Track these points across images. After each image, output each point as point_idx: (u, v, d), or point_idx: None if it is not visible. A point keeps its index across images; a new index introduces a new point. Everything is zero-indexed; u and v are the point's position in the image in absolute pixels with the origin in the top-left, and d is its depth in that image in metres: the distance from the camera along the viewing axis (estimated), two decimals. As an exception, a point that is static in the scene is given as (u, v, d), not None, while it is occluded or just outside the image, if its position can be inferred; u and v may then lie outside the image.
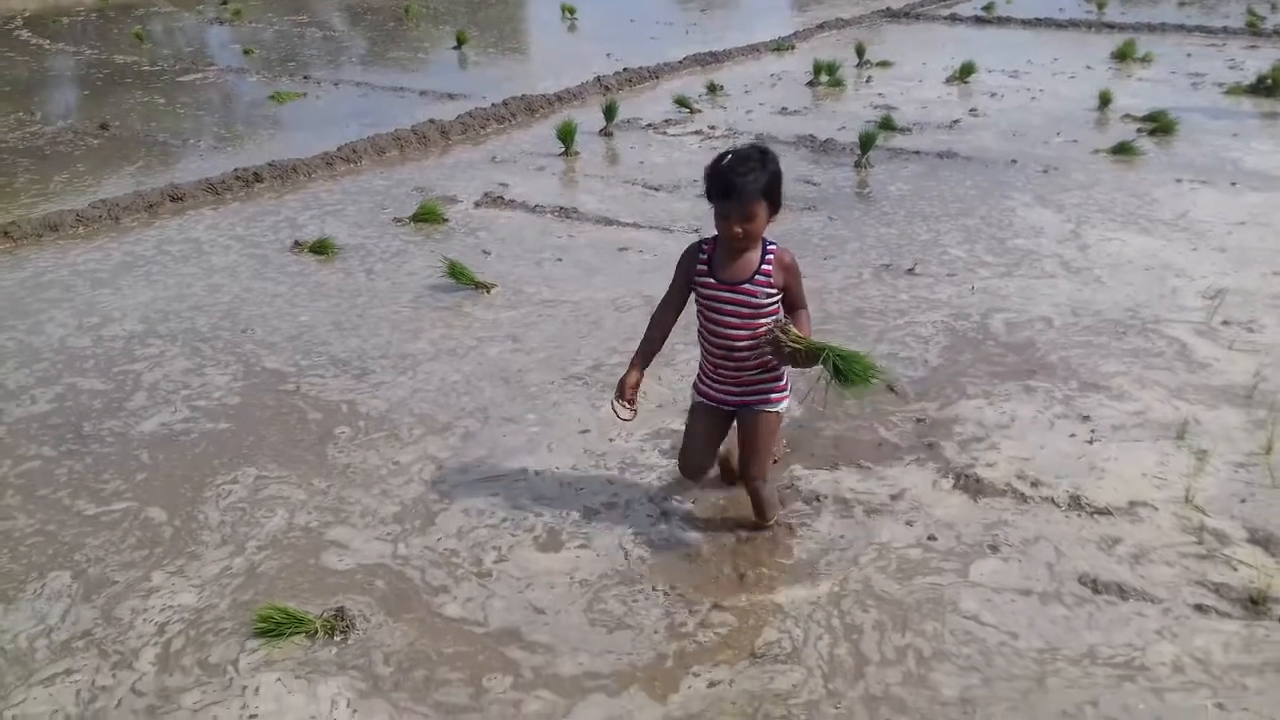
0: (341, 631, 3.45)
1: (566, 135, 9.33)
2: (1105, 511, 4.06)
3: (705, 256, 3.53)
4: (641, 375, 3.65)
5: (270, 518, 4.12)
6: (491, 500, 4.20)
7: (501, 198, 8.11)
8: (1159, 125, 10.03)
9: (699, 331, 3.67)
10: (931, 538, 3.91)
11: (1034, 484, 4.24)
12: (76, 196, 8.28)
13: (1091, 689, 3.18)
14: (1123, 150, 9.22)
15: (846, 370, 3.31)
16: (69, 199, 8.22)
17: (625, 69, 12.76)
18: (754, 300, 3.47)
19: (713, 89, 11.86)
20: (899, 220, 7.57)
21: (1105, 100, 10.95)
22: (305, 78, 13.14)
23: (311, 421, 4.86)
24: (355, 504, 4.20)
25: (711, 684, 3.22)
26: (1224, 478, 4.29)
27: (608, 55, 13.96)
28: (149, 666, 3.34)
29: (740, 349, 3.55)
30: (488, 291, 6.26)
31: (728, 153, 3.37)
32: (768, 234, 3.51)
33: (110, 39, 16.60)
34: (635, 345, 4.65)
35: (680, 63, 13.40)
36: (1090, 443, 4.56)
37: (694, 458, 3.90)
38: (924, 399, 4.97)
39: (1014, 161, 9.02)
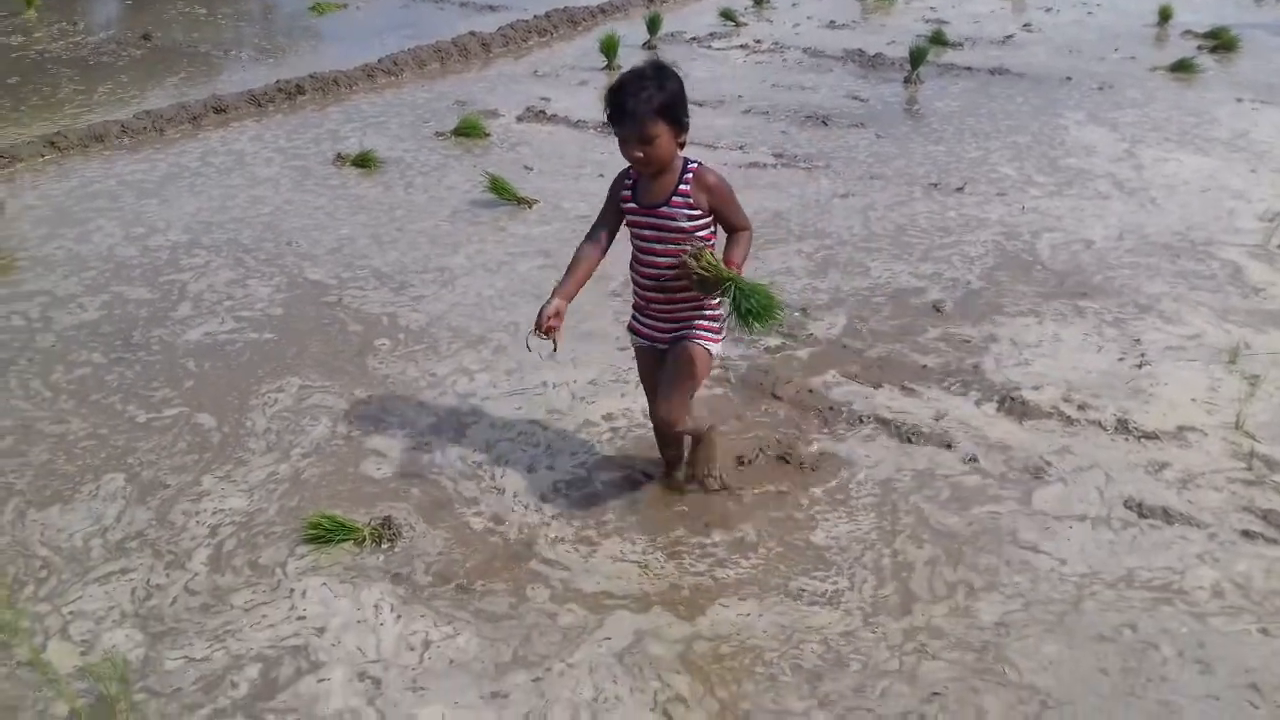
0: (389, 539, 3.51)
1: (609, 49, 9.18)
2: (1153, 436, 4.01)
3: (630, 182, 3.33)
4: (564, 304, 3.29)
5: (314, 426, 4.18)
6: (517, 413, 4.22)
7: (543, 112, 8.02)
8: (1220, 42, 9.68)
9: (630, 263, 3.44)
10: (973, 459, 3.89)
11: (1081, 407, 4.19)
12: (121, 107, 8.29)
13: (1128, 612, 3.17)
14: (1182, 68, 8.92)
15: (747, 304, 3.07)
16: (113, 110, 8.22)
17: (669, -20, 12.46)
18: (673, 223, 3.24)
19: (759, 2, 11.59)
20: (948, 137, 7.41)
21: (1165, 16, 10.57)
22: (345, -12, 12.97)
23: (352, 333, 4.89)
24: (395, 414, 4.25)
25: (742, 615, 3.25)
26: (1276, 403, 4.22)
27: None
28: (201, 567, 3.43)
29: (668, 278, 3.32)
30: (529, 207, 6.23)
31: (625, 73, 3.17)
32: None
33: (150, -52, 16.45)
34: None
35: (726, -26, 13.06)
36: (1139, 366, 4.49)
37: (655, 408, 3.61)
38: (969, 320, 4.90)
39: (1068, 78, 8.77)
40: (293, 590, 3.32)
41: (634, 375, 4.41)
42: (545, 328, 3.24)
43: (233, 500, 3.74)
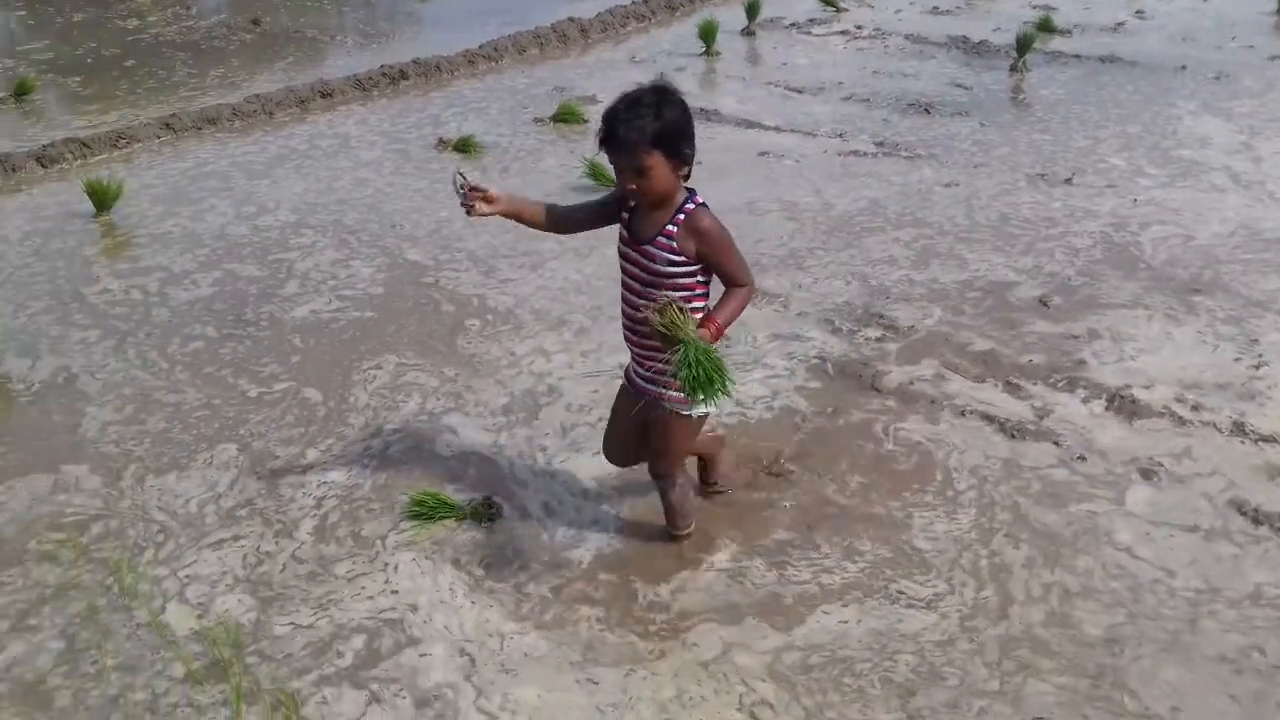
0: (488, 519, 3.57)
1: (708, 34, 9.14)
2: (1272, 439, 3.86)
3: (634, 204, 3.00)
4: (499, 201, 3.04)
5: (406, 403, 4.28)
6: (592, 396, 4.24)
7: (641, 98, 8.01)
8: (1348, 29, 9.24)
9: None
10: (1080, 458, 3.80)
11: (1194, 408, 4.06)
12: (232, 91, 8.54)
13: (1254, 633, 3.02)
14: (1306, 56, 8.55)
15: (692, 371, 2.73)
16: (225, 93, 8.48)
17: (769, -34, 12.34)
18: (652, 265, 2.92)
19: (860, -13, 11.40)
20: (1054, 127, 7.22)
21: (1288, 1, 10.12)
22: (447, -26, 13.13)
23: (446, 313, 4.99)
24: (474, 393, 4.32)
25: (841, 622, 3.23)
26: (1403, 408, 4.03)
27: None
28: (307, 536, 3.54)
29: (639, 321, 2.95)
30: (626, 193, 6.25)
31: (624, 94, 2.87)
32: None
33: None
34: (767, 250, 4.57)
35: (827, -41, 12.88)
36: (1257, 366, 4.32)
37: (609, 448, 3.45)
38: (1076, 315, 4.78)
39: (1182, 67, 8.45)
40: (387, 564, 3.40)
41: (740, 362, 4.42)
42: (468, 192, 3.01)
43: (333, 474, 3.85)
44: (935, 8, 10.59)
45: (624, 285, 3.05)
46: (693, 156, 2.88)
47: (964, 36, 9.41)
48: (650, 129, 2.77)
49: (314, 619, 3.18)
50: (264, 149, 7.24)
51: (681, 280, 2.92)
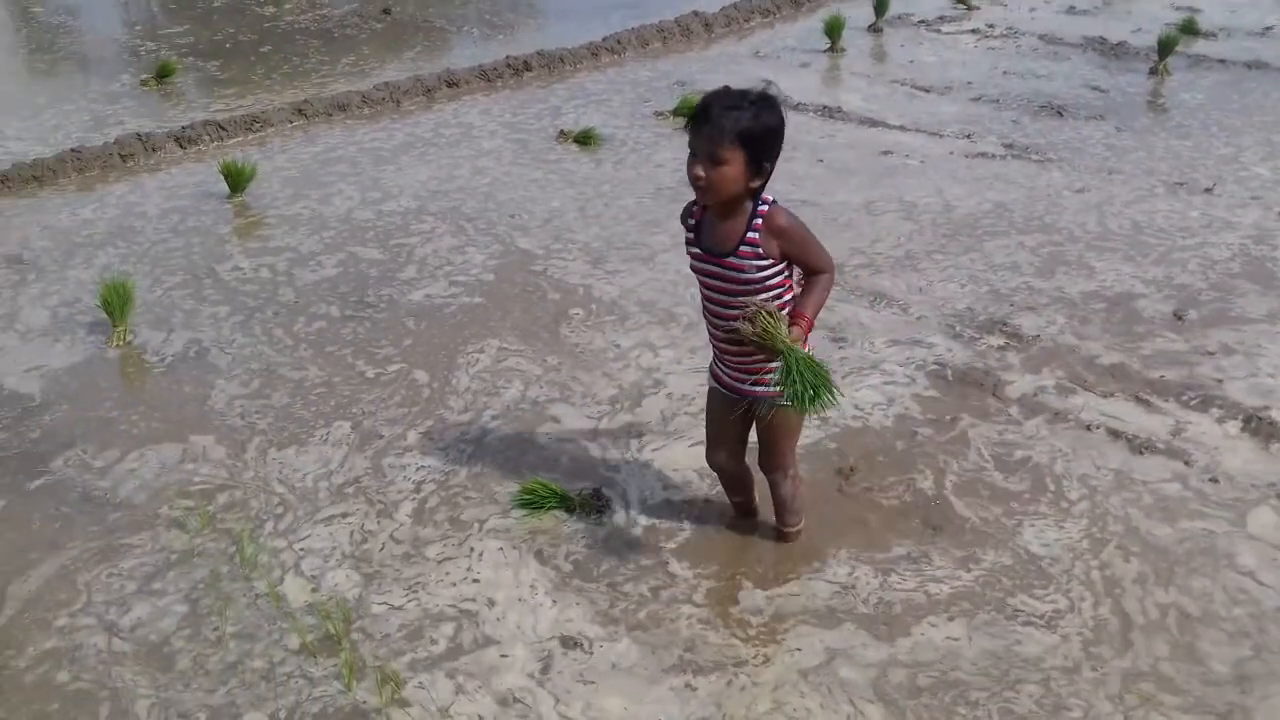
0: (598, 510, 3.57)
1: (834, 30, 9.01)
2: None
3: (693, 221, 2.98)
4: None
5: (508, 388, 4.33)
6: (699, 389, 4.20)
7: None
8: None
9: (702, 307, 3.10)
10: (1213, 480, 3.63)
11: (1337, 432, 3.84)
12: (361, 78, 8.75)
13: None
14: None
15: (797, 384, 2.71)
16: (355, 80, 8.70)
17: (898, -39, 12.11)
18: (742, 275, 2.87)
19: (993, -16, 11.09)
20: (1195, 133, 6.90)
21: None
22: (573, -34, 13.24)
23: (551, 301, 5.03)
24: (579, 383, 4.34)
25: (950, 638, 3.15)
26: None
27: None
28: (406, 518, 3.61)
29: (731, 330, 2.91)
30: (744, 188, 6.19)
31: (728, 87, 2.84)
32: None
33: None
34: (884, 251, 4.44)
35: (958, -45, 12.58)
36: None
37: (714, 454, 3.35)
38: (1212, 330, 4.56)
39: (1339, 73, 8.00)
40: (473, 550, 3.44)
41: (857, 366, 4.35)
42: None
43: (430, 458, 3.92)
44: (1071, 7, 10.24)
45: (706, 297, 3.01)
46: (770, 172, 2.81)
47: (1101, 37, 9.06)
48: (743, 123, 2.71)
49: (405, 600, 3.24)
50: (391, 136, 7.41)
51: (771, 282, 2.88)
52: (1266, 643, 2.97)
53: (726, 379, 3.13)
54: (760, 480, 3.39)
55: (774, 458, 3.24)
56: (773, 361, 2.79)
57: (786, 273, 2.92)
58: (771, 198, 2.87)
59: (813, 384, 2.71)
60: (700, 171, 2.75)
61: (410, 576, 3.34)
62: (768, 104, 2.76)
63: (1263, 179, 6.12)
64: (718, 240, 2.89)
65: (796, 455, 3.29)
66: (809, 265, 2.91)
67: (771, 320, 2.75)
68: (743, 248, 2.85)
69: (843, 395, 2.87)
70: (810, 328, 2.86)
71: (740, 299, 2.86)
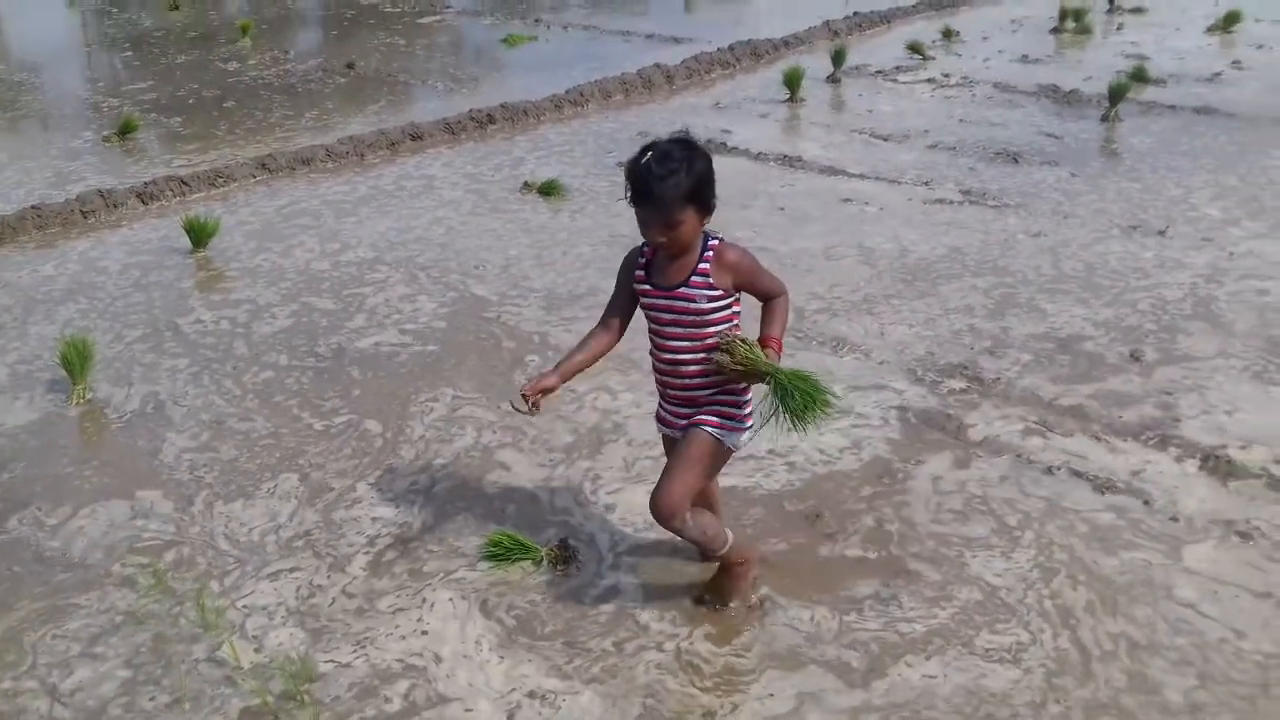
0: (564, 562, 3.51)
1: (793, 81, 9.13)
2: (1373, 504, 3.65)
3: (644, 260, 3.04)
4: (555, 381, 3.06)
5: (461, 435, 4.29)
6: (657, 435, 4.16)
7: (724, 144, 8.02)
8: None
9: (649, 349, 3.14)
10: (1173, 519, 3.63)
11: (1291, 469, 3.86)
12: (325, 132, 8.77)
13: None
14: None
15: (792, 401, 2.79)
16: (319, 134, 8.71)
17: (855, 13, 12.35)
18: (693, 305, 2.93)
19: (948, 34, 11.33)
20: (1147, 176, 7.01)
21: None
22: (536, 20, 13.43)
23: (506, 349, 5.02)
24: (532, 429, 4.31)
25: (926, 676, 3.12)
26: None
27: (839, -1, 13.56)
28: (360, 571, 3.54)
29: (686, 363, 3.02)
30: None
31: (648, 148, 2.85)
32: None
33: (361, -15, 17.43)
34: (842, 295, 4.45)
35: (914, 6, 12.87)
36: (1359, 428, 4.10)
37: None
38: (1169, 370, 4.59)
39: (1284, 118, 8.17)
40: (425, 601, 3.38)
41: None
42: (528, 393, 3.01)
43: (381, 509, 3.86)
44: (1025, 56, 10.45)
45: (655, 332, 3.06)
46: (715, 206, 2.92)
47: (1054, 85, 9.24)
48: (685, 186, 2.79)
49: (362, 661, 3.17)
50: (354, 189, 7.41)
51: (723, 314, 2.97)
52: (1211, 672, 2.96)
53: (669, 418, 3.18)
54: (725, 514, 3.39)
55: (668, 496, 3.00)
56: (747, 381, 2.92)
57: (735, 309, 3.00)
58: (719, 235, 2.97)
59: (809, 396, 2.80)
60: (661, 237, 2.86)
61: (361, 632, 3.26)
62: (692, 152, 2.84)
63: (1215, 220, 6.22)
64: (668, 276, 2.97)
65: (689, 502, 3.08)
66: (764, 292, 3.02)
67: (748, 347, 2.85)
68: (694, 278, 2.93)
69: (839, 397, 2.95)
70: (780, 349, 2.96)
71: (695, 332, 2.96)
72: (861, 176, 7.24)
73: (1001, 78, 9.65)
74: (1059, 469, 3.93)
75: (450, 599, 3.39)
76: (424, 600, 3.38)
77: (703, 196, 2.85)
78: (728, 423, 3.05)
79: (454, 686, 3.05)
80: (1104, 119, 8.31)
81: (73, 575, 3.57)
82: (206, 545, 3.69)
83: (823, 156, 7.69)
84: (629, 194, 2.87)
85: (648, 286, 3.03)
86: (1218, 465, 3.92)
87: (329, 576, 3.51)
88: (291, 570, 3.55)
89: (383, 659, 3.16)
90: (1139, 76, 9.22)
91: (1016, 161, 7.44)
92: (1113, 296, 5.29)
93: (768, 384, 2.86)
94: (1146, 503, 3.72)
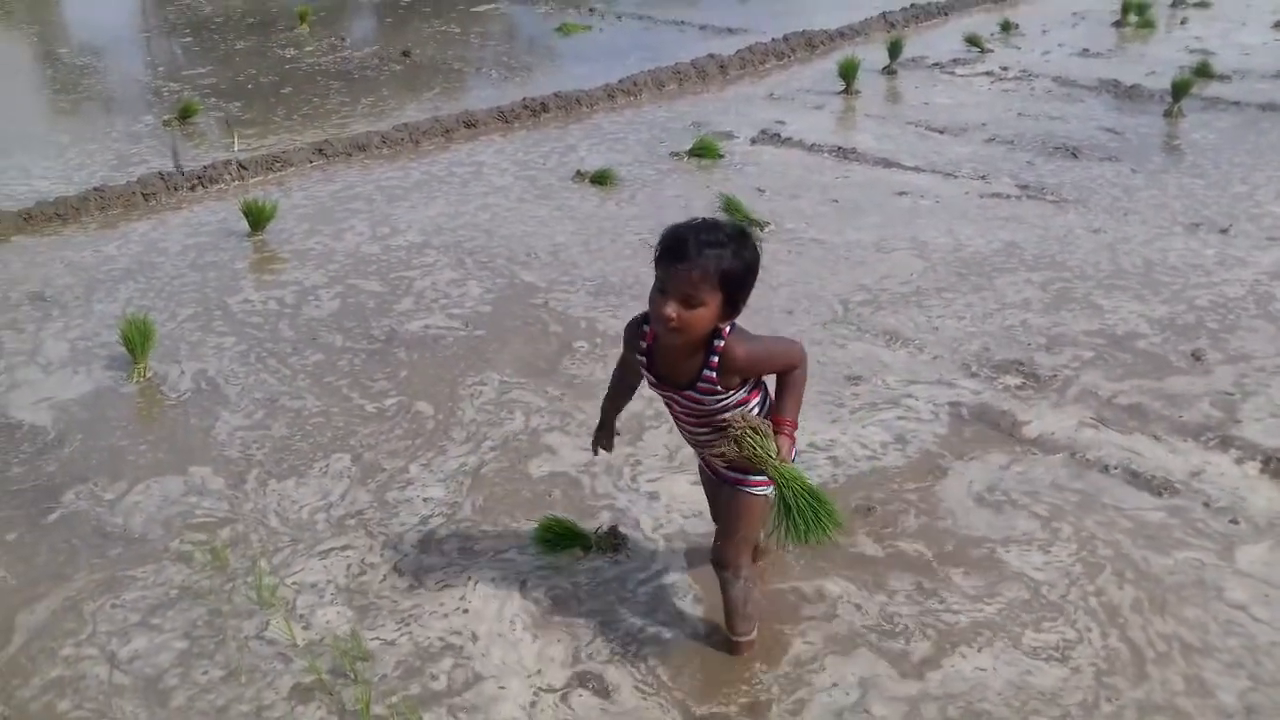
0: (613, 549, 3.51)
1: (848, 73, 9.05)
2: None
3: (646, 345, 2.74)
4: (611, 434, 3.11)
5: (510, 419, 4.32)
6: None
7: (778, 135, 7.98)
8: None
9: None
10: (1233, 521, 3.56)
11: (1355, 473, 3.76)
12: (381, 119, 8.84)
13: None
14: None
15: (793, 516, 2.56)
16: (375, 121, 8.79)
17: (913, 4, 12.21)
18: (702, 406, 2.70)
19: (1007, 27, 11.15)
20: (1210, 173, 6.86)
21: None
22: (590, 10, 13.43)
23: (553, 334, 5.05)
24: (580, 413, 4.32)
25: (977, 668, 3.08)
26: None
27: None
28: (410, 549, 3.58)
29: (703, 443, 2.83)
30: (761, 230, 6.17)
31: (705, 218, 2.59)
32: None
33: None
34: (890, 288, 4.38)
35: (973, -1, 12.68)
36: None
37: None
38: (1231, 370, 4.49)
39: (1355, 115, 7.95)
40: (469, 579, 3.40)
41: (870, 401, 4.32)
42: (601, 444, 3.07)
43: (433, 489, 3.90)
44: (1085, 50, 10.26)
45: (674, 415, 2.85)
46: (742, 309, 2.60)
47: (1115, 80, 9.07)
48: (725, 263, 2.48)
49: (396, 635, 3.21)
50: (407, 174, 7.47)
51: (735, 400, 2.70)
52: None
53: (702, 457, 3.00)
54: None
55: (725, 551, 2.94)
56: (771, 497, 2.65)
57: (750, 387, 2.74)
58: (725, 333, 2.62)
59: (811, 510, 2.54)
60: (672, 313, 2.49)
61: (408, 610, 3.29)
62: (745, 239, 2.54)
63: (1276, 216, 6.07)
64: (673, 371, 2.69)
65: (751, 558, 3.04)
66: (779, 371, 2.74)
67: (758, 437, 2.55)
68: (700, 383, 2.65)
69: (843, 525, 2.75)
70: (795, 431, 2.70)
71: (706, 419, 2.72)
72: (916, 169, 7.16)
73: (1061, 71, 9.49)
74: (1115, 468, 3.86)
75: (493, 578, 3.41)
76: (469, 579, 3.41)
77: (737, 288, 2.52)
78: (757, 477, 2.79)
79: (489, 665, 3.07)
80: (1166, 114, 8.14)
81: (128, 550, 3.64)
82: (259, 523, 3.75)
83: (877, 149, 7.62)
84: (657, 253, 2.53)
85: (653, 379, 2.77)
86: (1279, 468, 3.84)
87: (381, 554, 3.55)
88: (344, 548, 3.59)
89: (425, 636, 3.19)
90: (1203, 72, 9.02)
91: (1075, 156, 7.31)
92: (1172, 294, 5.19)
93: (777, 486, 2.59)
94: (1206, 504, 3.64)
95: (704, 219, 2.57)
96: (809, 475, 2.77)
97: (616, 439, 3.19)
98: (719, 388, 2.64)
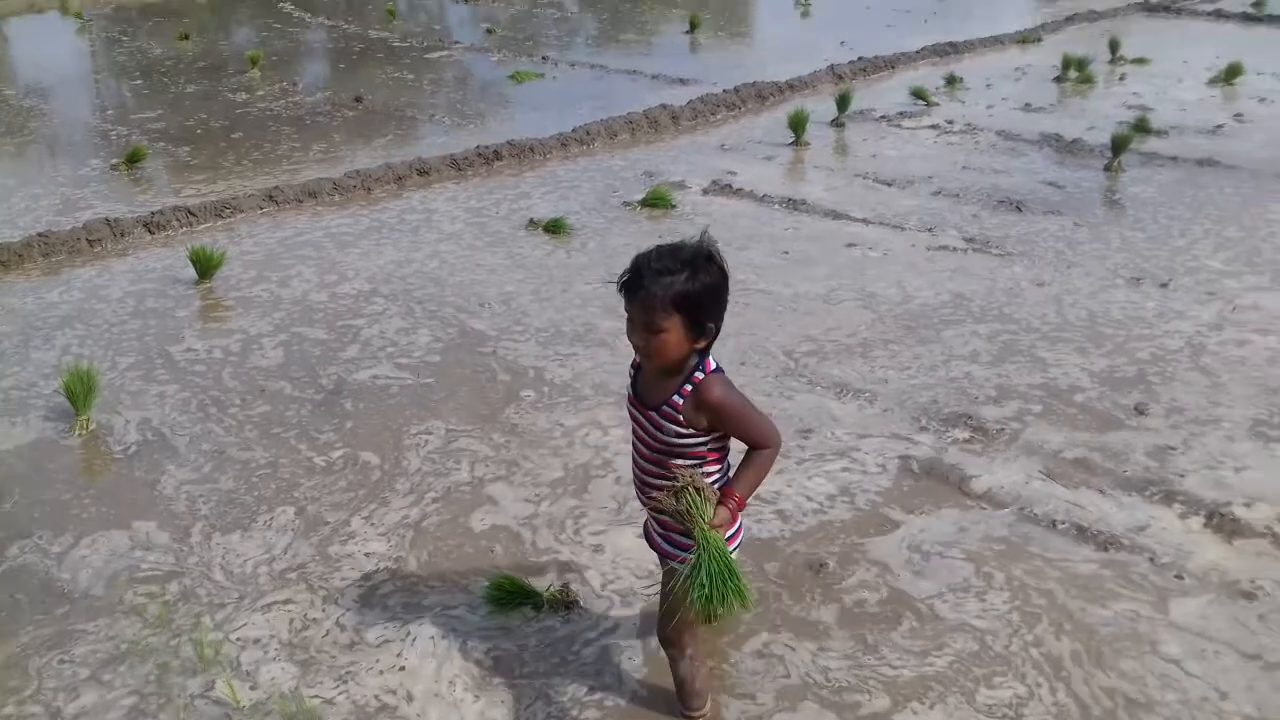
0: (565, 607, 3.48)
1: (797, 125, 9.18)
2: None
3: (635, 362, 2.78)
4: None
5: (456, 469, 4.30)
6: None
7: (730, 186, 8.06)
8: None
9: None
10: (1178, 576, 3.61)
11: (1295, 526, 3.83)
12: (333, 165, 8.80)
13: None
14: None
15: (705, 586, 2.46)
16: (327, 167, 8.74)
17: (860, 58, 12.44)
18: (660, 434, 2.64)
19: (951, 81, 11.40)
20: (1150, 228, 7.03)
21: (1404, 109, 9.80)
22: (543, 58, 13.52)
23: (501, 382, 5.04)
24: (526, 461, 4.31)
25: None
26: None
27: (841, 43, 13.64)
28: (352, 604, 3.52)
29: (650, 485, 2.73)
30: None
31: (670, 244, 2.59)
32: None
33: (364, 14, 17.49)
34: (838, 339, 4.41)
35: (918, 53, 12.94)
36: (1367, 486, 4.08)
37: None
38: (1174, 424, 4.57)
39: (1287, 172, 8.21)
40: (409, 635, 3.34)
41: (811, 445, 4.33)
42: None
43: (374, 544, 3.85)
44: (1027, 105, 10.51)
45: (633, 445, 2.81)
46: (716, 332, 2.58)
47: (1057, 134, 9.29)
48: (678, 289, 2.48)
49: (335, 693, 3.15)
50: (357, 221, 7.43)
51: (692, 450, 2.64)
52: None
53: (652, 533, 2.90)
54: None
55: (668, 631, 2.88)
56: (688, 562, 2.52)
57: (714, 445, 2.66)
58: (714, 365, 2.63)
59: (723, 587, 2.46)
60: (638, 340, 2.57)
61: (345, 666, 3.23)
62: (704, 261, 2.53)
63: (1217, 272, 6.22)
64: (650, 390, 2.68)
65: (696, 636, 2.96)
66: (749, 440, 2.66)
67: (698, 497, 2.49)
68: (665, 407, 2.62)
69: (755, 608, 2.69)
70: (741, 508, 2.64)
71: (660, 458, 2.67)
72: (865, 221, 7.26)
73: (1005, 125, 9.71)
74: (1063, 523, 3.90)
75: (433, 636, 3.36)
76: (409, 635, 3.37)
77: (696, 312, 2.51)
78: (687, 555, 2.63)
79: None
80: (1107, 169, 8.35)
81: (76, 605, 3.55)
82: (204, 576, 3.67)
83: (827, 200, 7.72)
84: (620, 283, 2.56)
85: (630, 393, 2.76)
86: (1223, 523, 3.89)
87: (323, 609, 3.49)
88: (285, 603, 3.53)
89: (362, 694, 3.13)
90: (1141, 127, 9.27)
91: (1020, 210, 7.46)
92: (1115, 346, 5.29)
93: (696, 550, 2.50)
94: (1151, 560, 3.69)
95: (666, 245, 2.58)
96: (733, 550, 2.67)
97: (560, 491, 3.15)
98: (681, 418, 2.59)
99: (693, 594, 2.47)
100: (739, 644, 3.30)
